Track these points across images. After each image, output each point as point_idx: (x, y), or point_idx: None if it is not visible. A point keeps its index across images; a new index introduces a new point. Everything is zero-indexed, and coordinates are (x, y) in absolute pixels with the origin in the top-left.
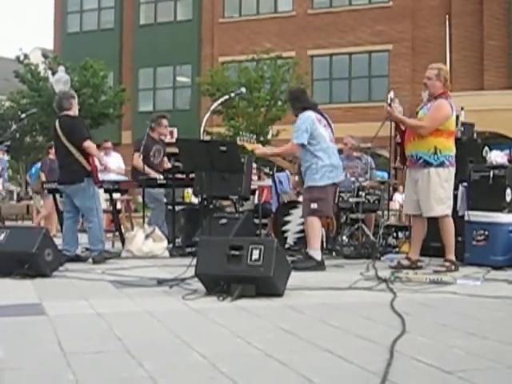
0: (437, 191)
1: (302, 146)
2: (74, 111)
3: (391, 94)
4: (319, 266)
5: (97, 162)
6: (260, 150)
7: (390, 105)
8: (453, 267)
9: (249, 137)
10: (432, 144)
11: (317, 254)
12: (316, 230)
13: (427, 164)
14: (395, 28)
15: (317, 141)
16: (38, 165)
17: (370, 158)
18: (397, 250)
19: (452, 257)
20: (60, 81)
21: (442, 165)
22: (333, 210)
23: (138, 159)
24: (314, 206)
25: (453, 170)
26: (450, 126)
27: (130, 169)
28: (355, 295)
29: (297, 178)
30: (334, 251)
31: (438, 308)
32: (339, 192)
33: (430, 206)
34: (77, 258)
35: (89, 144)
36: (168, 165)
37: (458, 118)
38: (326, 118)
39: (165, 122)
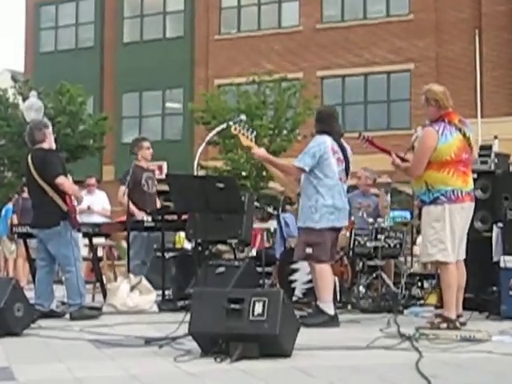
0: (426, 232)
1: (303, 171)
2: (49, 143)
3: (366, 135)
4: (332, 321)
5: (75, 202)
6: (258, 151)
7: (366, 139)
8: (443, 325)
9: (247, 130)
10: (422, 179)
11: (329, 307)
12: (326, 280)
13: (423, 202)
14: (417, 45)
15: (323, 174)
16: (9, 206)
17: (388, 196)
18: (422, 301)
19: (447, 313)
20: (32, 108)
21: (434, 202)
22: (333, 256)
23: (121, 194)
24: (308, 250)
25: (453, 206)
26: (440, 156)
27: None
28: (374, 355)
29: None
30: (349, 304)
31: (470, 369)
32: (355, 235)
33: (424, 249)
34: (51, 314)
35: (62, 180)
36: (157, 204)
37: (495, 145)
38: (344, 152)
39: (146, 143)
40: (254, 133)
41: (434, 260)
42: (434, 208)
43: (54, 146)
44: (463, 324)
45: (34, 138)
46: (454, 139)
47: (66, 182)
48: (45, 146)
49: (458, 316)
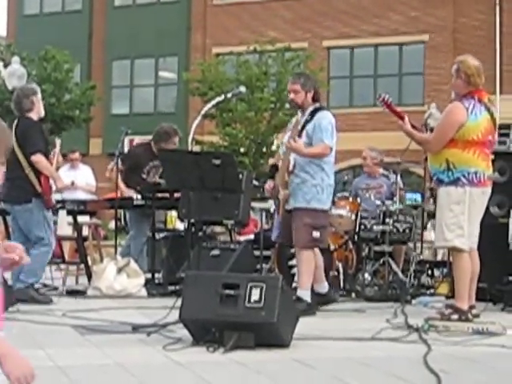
0: (444, 215)
1: (330, 150)
2: (38, 111)
3: (387, 97)
4: (310, 309)
5: (51, 183)
6: (297, 143)
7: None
8: (454, 316)
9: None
10: (443, 157)
11: (307, 294)
12: (312, 267)
13: (440, 182)
14: (432, 14)
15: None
16: None
17: (398, 177)
18: (432, 291)
19: (459, 303)
20: (14, 75)
21: (455, 183)
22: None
23: (111, 170)
24: (316, 234)
25: (474, 190)
26: (467, 135)
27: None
28: (380, 347)
29: (271, 183)
30: (353, 292)
31: (482, 364)
32: (361, 218)
33: (439, 233)
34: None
35: (39, 159)
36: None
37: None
38: None
39: (176, 139)
40: None
41: (451, 246)
42: (454, 189)
43: (42, 114)
44: (476, 316)
45: (22, 107)
46: (483, 119)
47: (43, 161)
48: (33, 115)
49: (471, 307)
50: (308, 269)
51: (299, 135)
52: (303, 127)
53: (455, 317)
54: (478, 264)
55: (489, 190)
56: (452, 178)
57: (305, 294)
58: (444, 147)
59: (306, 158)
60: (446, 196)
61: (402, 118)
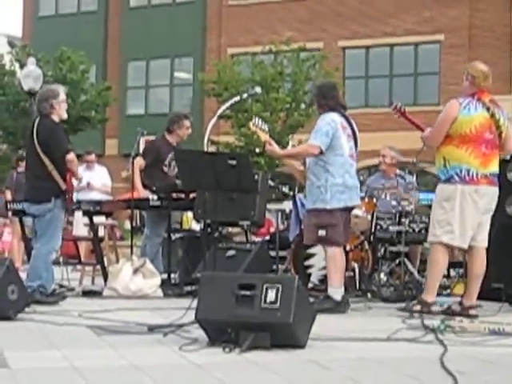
0: (436, 211)
1: (320, 152)
2: (58, 113)
3: (399, 105)
4: (337, 307)
5: (74, 181)
6: (272, 147)
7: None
8: (417, 307)
9: (262, 124)
10: (441, 155)
11: (336, 292)
12: (339, 264)
13: (439, 180)
14: (448, 13)
15: (334, 152)
16: None
17: (414, 178)
18: (448, 291)
19: (426, 297)
20: (29, 76)
21: (448, 180)
22: (347, 238)
23: (128, 170)
24: (321, 233)
25: (466, 188)
26: (459, 128)
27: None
28: (396, 348)
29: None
30: (369, 292)
31: (499, 366)
32: (377, 219)
33: (431, 229)
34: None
35: (73, 157)
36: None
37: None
38: (352, 127)
39: (187, 122)
40: (268, 127)
41: (438, 241)
42: (446, 186)
43: (64, 116)
44: (474, 316)
45: (40, 111)
46: (478, 114)
47: (75, 159)
48: (54, 117)
49: (471, 307)
50: (335, 266)
51: None
52: None
53: (417, 308)
54: (483, 263)
55: (484, 188)
56: (447, 176)
57: (335, 292)
58: (442, 144)
59: (313, 162)
60: (440, 193)
61: (420, 128)
